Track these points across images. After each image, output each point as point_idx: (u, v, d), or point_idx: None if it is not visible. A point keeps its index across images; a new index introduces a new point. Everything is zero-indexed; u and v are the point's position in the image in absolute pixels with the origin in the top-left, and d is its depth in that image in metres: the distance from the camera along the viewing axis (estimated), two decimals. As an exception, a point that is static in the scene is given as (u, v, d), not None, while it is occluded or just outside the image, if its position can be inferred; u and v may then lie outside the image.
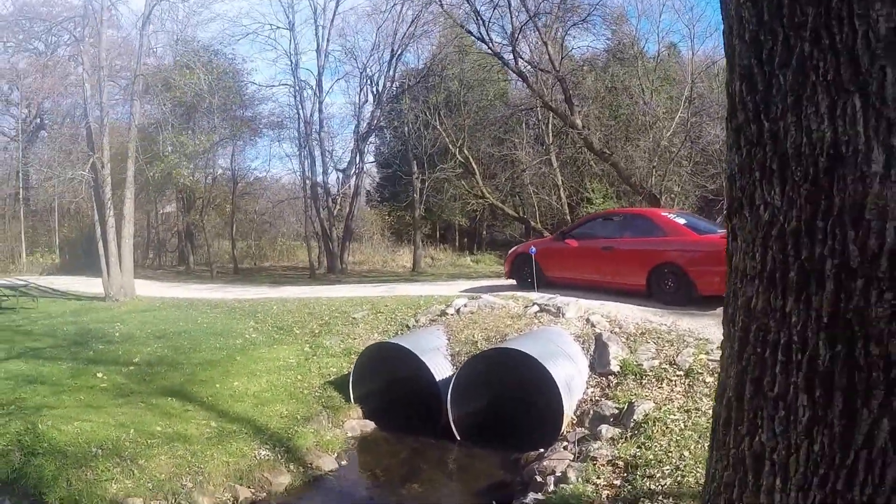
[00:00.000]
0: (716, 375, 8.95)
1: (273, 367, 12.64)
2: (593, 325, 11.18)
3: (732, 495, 1.96)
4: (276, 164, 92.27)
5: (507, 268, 15.56)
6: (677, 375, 9.38)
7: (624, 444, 8.04)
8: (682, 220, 13.11)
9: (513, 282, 15.39)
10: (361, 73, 35.02)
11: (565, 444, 8.81)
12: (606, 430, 8.61)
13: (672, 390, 9.08)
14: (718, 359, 8.62)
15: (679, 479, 6.63)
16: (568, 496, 6.87)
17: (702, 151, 28.10)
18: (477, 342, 11.54)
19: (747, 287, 1.89)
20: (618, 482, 7.02)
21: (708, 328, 10.82)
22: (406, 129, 32.31)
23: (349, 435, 10.70)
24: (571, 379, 9.77)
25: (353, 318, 14.83)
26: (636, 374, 9.70)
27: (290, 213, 40.50)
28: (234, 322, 16.18)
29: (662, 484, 6.60)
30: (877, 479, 1.58)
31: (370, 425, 11.15)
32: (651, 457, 7.28)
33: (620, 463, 7.49)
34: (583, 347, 10.68)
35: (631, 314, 11.82)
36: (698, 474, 6.54)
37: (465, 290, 16.25)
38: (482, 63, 30.93)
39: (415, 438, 10.61)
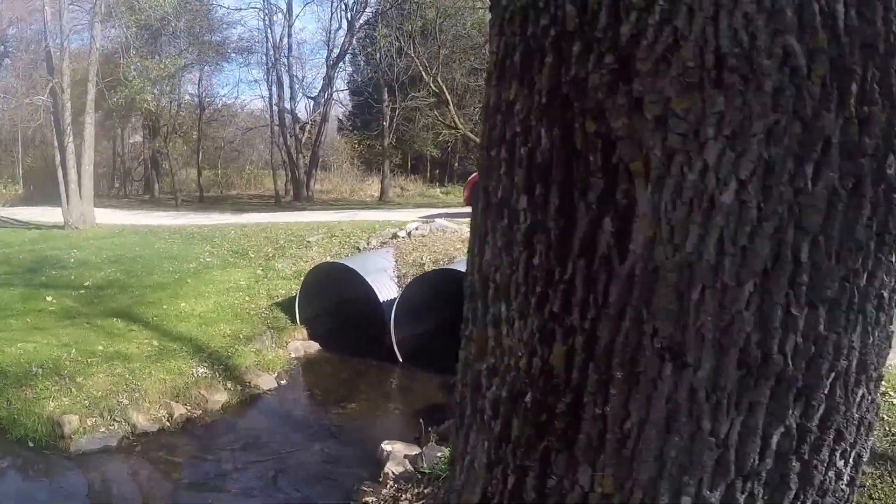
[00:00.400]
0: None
1: (223, 288, 12.63)
2: (542, 252, 11.18)
3: (467, 330, 1.64)
4: (245, 90, 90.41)
5: (466, 194, 15.40)
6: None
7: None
8: None
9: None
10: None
11: None
12: None
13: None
14: None
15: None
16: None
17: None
18: (424, 265, 11.47)
19: (488, 87, 1.54)
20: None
21: None
22: (378, 55, 31.68)
23: (293, 355, 10.79)
24: (514, 302, 9.75)
25: (308, 241, 14.77)
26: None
27: (259, 140, 39.84)
28: (191, 247, 16.10)
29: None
30: (600, 299, 1.26)
31: (314, 346, 11.21)
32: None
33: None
34: (529, 273, 10.65)
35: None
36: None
37: (424, 217, 16.06)
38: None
39: (358, 360, 10.70)
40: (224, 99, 39.37)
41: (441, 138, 35.53)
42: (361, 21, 33.38)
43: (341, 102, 40.48)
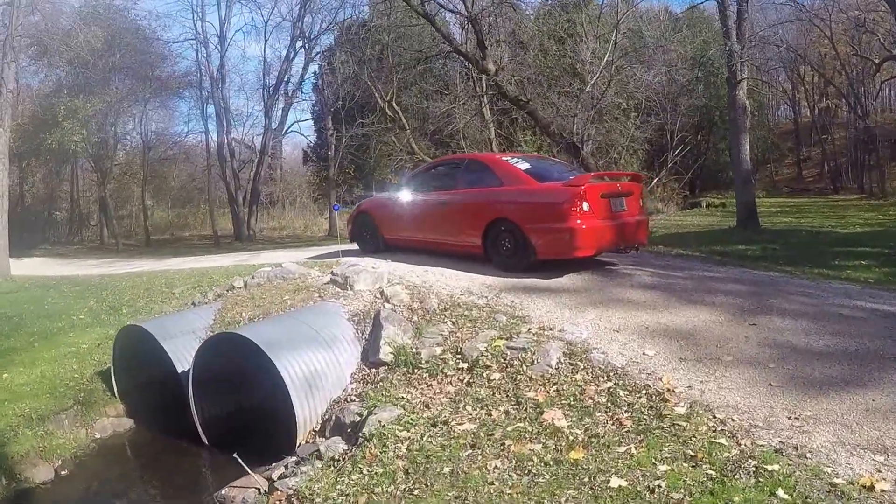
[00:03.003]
0: (508, 371, 6.53)
1: (63, 353, 10.72)
2: (387, 300, 8.68)
3: None
4: (200, 125, 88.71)
5: (349, 228, 13.07)
6: (458, 369, 6.94)
7: (327, 472, 5.71)
8: (524, 166, 10.42)
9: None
10: (265, 24, 33.22)
11: (290, 460, 6.55)
12: (332, 447, 6.28)
13: (441, 390, 6.64)
14: (520, 345, 6.77)
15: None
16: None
17: (632, 98, 26.18)
18: (240, 322, 9.14)
19: None
20: (265, 539, 4.65)
21: (536, 303, 8.42)
22: (321, 82, 29.96)
23: (98, 436, 8.80)
24: (319, 374, 7.28)
25: (173, 292, 12.80)
26: (409, 366, 7.22)
27: (219, 178, 37.33)
28: (78, 302, 14.15)
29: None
30: None
31: (128, 424, 9.20)
32: (320, 500, 4.89)
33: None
34: (357, 329, 8.20)
35: (454, 284, 9.37)
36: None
37: (319, 256, 13.68)
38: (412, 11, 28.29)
39: (167, 442, 8.65)
40: (174, 136, 37.18)
41: (397, 165, 33.30)
42: (306, 51, 31.75)
43: (302, 133, 39.29)
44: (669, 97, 31.48)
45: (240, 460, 5.85)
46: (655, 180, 31.45)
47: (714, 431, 5.11)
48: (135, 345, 9.37)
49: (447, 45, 22.98)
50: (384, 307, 8.34)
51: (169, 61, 33.23)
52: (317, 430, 7.07)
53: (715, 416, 5.33)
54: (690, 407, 5.51)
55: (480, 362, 6.85)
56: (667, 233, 20.36)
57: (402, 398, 6.60)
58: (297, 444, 6.91)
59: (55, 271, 20.56)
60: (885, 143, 40.47)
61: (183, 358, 8.54)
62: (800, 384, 5.82)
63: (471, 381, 6.65)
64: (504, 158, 10.90)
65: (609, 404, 5.77)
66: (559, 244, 9.36)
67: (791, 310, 7.84)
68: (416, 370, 7.12)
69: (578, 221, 9.10)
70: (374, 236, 12.14)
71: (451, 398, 6.42)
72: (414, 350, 7.43)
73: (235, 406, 8.51)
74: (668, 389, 5.86)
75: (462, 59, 24.42)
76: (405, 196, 11.47)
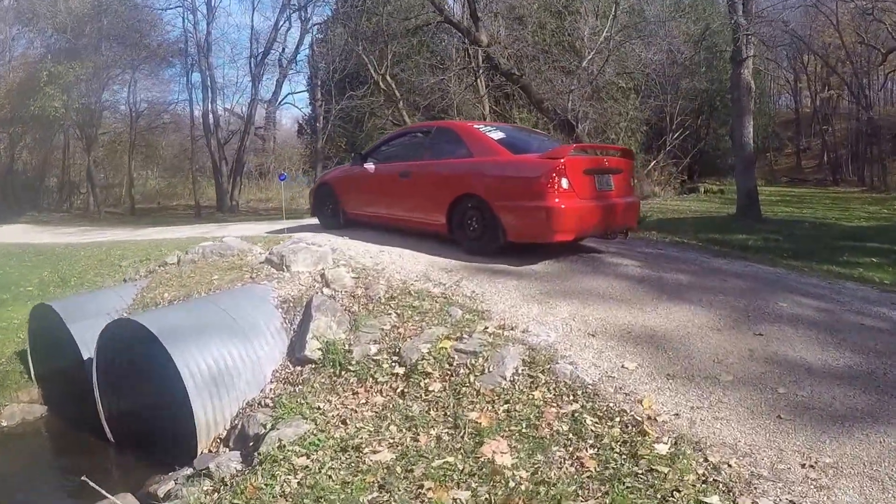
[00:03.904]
0: (451, 380, 5.18)
1: None
2: (327, 284, 7.25)
3: None
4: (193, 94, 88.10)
5: (312, 202, 11.59)
6: (392, 374, 5.56)
7: (205, 501, 4.40)
8: (497, 135, 8.83)
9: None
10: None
11: (184, 473, 5.28)
12: (224, 465, 5.02)
13: (367, 401, 5.25)
14: (471, 348, 5.58)
15: None
16: None
17: (631, 78, 24.79)
18: (159, 304, 7.73)
19: None
20: None
21: (501, 294, 6.93)
22: (310, 51, 28.71)
23: (3, 424, 7.73)
24: (230, 370, 5.89)
25: (120, 265, 11.31)
26: (337, 367, 5.81)
27: (206, 148, 35.77)
28: (33, 272, 12.89)
29: None
30: None
31: (40, 412, 8.04)
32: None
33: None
34: (286, 318, 6.78)
35: (410, 267, 7.87)
36: None
37: (280, 230, 12.23)
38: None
39: (76, 435, 7.38)
40: (164, 105, 35.74)
41: (389, 139, 32.06)
42: (312, 21, 30.38)
43: (296, 106, 38.34)
44: (670, 79, 30.03)
45: (91, 483, 4.52)
46: (653, 163, 30.20)
47: (704, 483, 3.76)
48: (53, 325, 8.01)
49: (438, 14, 21.43)
50: (320, 293, 6.91)
51: (158, 30, 32.12)
52: (222, 437, 5.71)
53: (707, 460, 3.97)
54: (675, 444, 4.14)
55: (419, 368, 5.45)
56: (662, 217, 18.88)
57: (318, 409, 5.22)
58: (199, 451, 5.57)
59: (28, 238, 19.20)
60: (888, 136, 38.99)
61: (92, 343, 7.15)
62: (816, 418, 4.39)
63: (405, 390, 5.27)
64: (476, 126, 9.30)
65: (571, 435, 4.39)
66: (533, 226, 7.79)
67: (803, 316, 6.32)
68: (343, 373, 5.72)
69: (556, 200, 7.50)
70: (335, 211, 10.65)
71: (376, 413, 5.04)
72: (346, 347, 6.03)
73: (144, 401, 7.11)
74: (650, 417, 4.48)
75: (454, 30, 22.90)
76: (368, 166, 9.96)
